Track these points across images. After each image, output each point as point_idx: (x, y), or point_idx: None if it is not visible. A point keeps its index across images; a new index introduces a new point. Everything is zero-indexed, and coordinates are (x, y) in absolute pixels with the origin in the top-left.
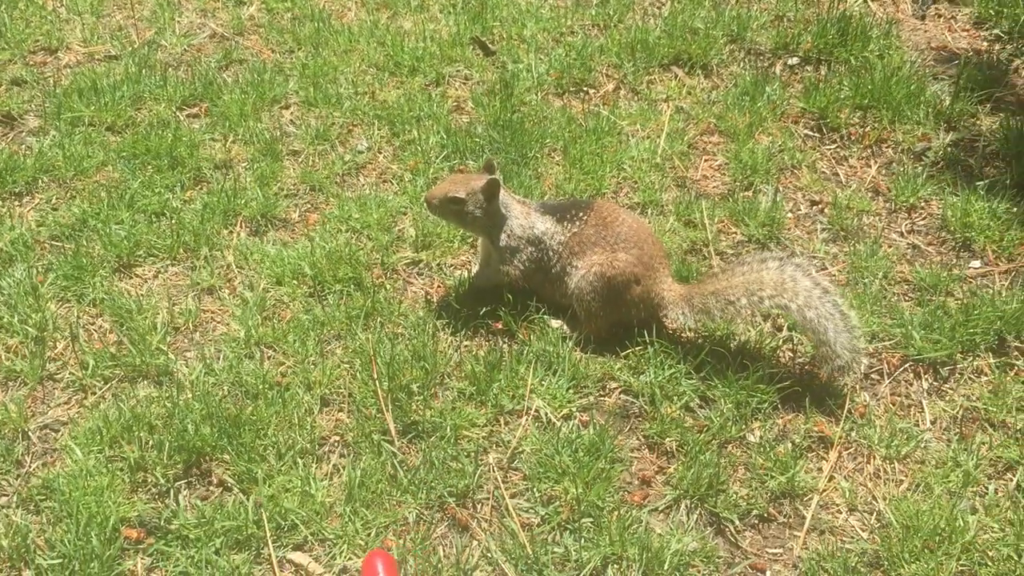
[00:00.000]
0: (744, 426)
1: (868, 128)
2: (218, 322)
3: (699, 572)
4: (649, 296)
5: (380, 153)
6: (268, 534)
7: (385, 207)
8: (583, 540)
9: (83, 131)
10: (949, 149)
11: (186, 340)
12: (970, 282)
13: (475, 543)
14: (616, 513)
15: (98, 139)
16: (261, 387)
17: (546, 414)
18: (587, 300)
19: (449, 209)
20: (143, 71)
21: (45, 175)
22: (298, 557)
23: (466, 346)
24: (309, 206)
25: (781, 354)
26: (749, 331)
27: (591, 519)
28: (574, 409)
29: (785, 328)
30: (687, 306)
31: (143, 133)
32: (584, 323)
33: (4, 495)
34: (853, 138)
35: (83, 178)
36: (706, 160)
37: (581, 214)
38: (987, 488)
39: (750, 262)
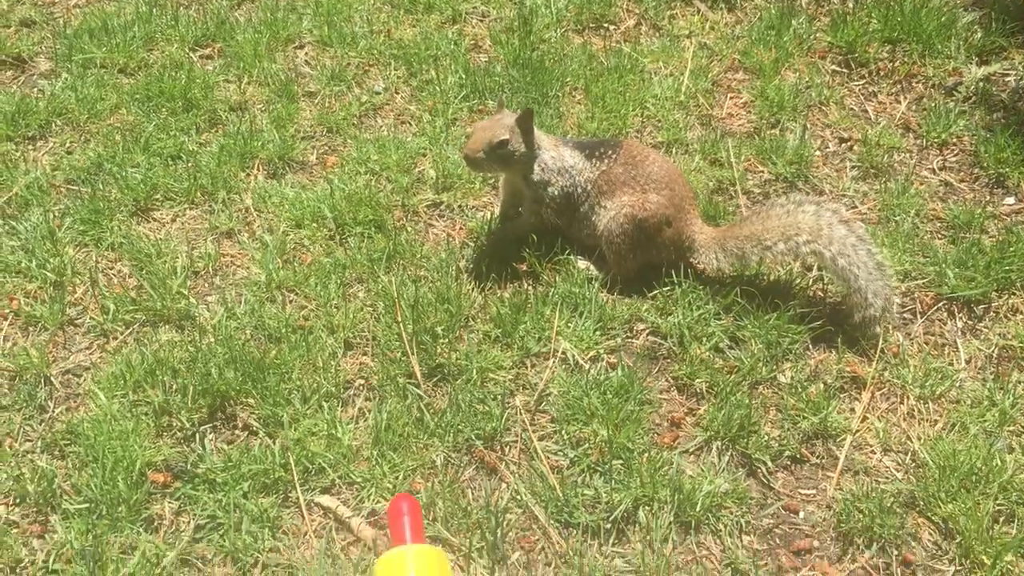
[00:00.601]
0: (775, 367)
1: (897, 63)
2: (238, 266)
3: (731, 513)
4: (680, 238)
5: (397, 94)
6: (296, 478)
7: (404, 149)
8: (613, 482)
9: (95, 73)
10: (981, 84)
11: (207, 284)
12: (1004, 219)
13: (504, 486)
14: (646, 455)
15: (111, 81)
16: (284, 331)
17: (573, 356)
18: (616, 242)
19: (496, 155)
20: (153, 10)
21: (58, 118)
22: (326, 500)
23: (490, 288)
24: (327, 148)
25: (812, 293)
26: (779, 271)
27: (621, 461)
28: (601, 351)
29: (816, 267)
30: (720, 250)
31: (156, 75)
32: (612, 265)
33: (28, 440)
34: (882, 73)
35: (97, 121)
36: (731, 98)
37: (610, 152)
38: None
39: (784, 204)
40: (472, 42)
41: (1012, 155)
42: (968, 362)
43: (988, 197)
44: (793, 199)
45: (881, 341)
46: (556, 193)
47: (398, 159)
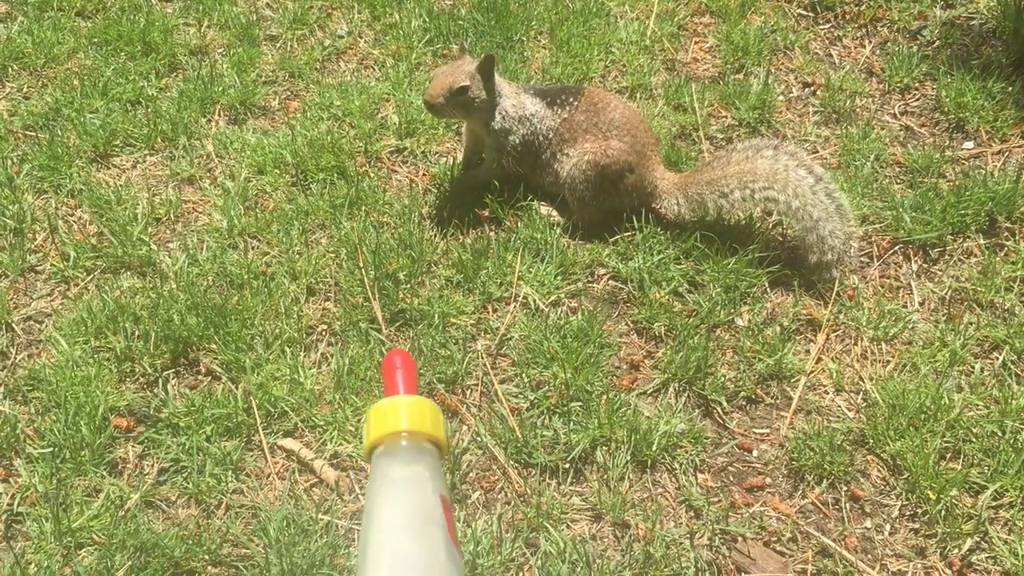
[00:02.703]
0: (733, 310)
1: (863, 6)
2: (200, 212)
3: (687, 452)
4: (642, 185)
5: (361, 38)
6: (258, 421)
7: (367, 94)
8: (572, 423)
9: (52, 16)
10: (945, 27)
11: (168, 231)
12: (963, 163)
13: (465, 428)
14: (605, 397)
15: (68, 25)
16: (246, 277)
17: (534, 301)
18: (579, 189)
19: (456, 101)
20: None
21: (15, 63)
22: (289, 443)
23: (453, 234)
24: (289, 93)
25: (771, 237)
26: (739, 216)
27: (580, 403)
28: (562, 295)
29: (776, 212)
30: (681, 196)
31: (114, 18)
32: (575, 211)
33: None
34: (847, 17)
35: (54, 66)
36: (696, 42)
37: (571, 99)
38: (973, 367)
39: (744, 150)
40: None
41: (972, 99)
42: (922, 304)
43: (948, 141)
44: (753, 144)
45: (837, 284)
46: (517, 141)
47: (361, 104)
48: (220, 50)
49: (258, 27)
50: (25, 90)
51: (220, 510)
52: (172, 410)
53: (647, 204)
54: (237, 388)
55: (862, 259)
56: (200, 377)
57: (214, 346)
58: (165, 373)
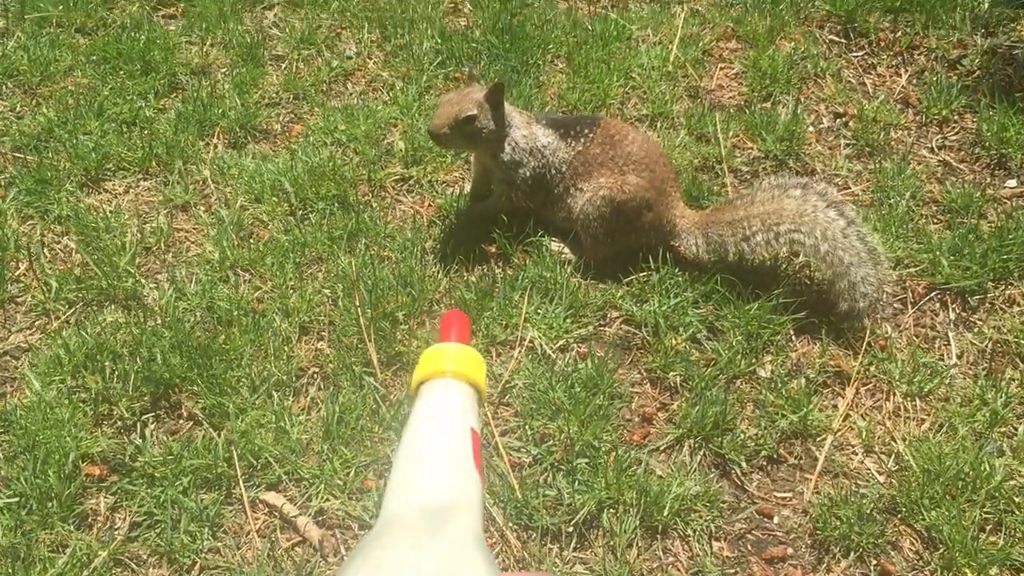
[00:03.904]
0: (755, 360)
1: (899, 33)
2: (192, 242)
3: (702, 517)
4: (661, 223)
5: (370, 59)
6: (239, 473)
7: (374, 118)
8: (577, 483)
9: (50, 32)
10: (986, 57)
11: (158, 261)
12: (1005, 203)
13: None
14: (613, 454)
15: (67, 41)
16: (236, 313)
17: (541, 345)
18: (593, 226)
19: (463, 131)
20: None
21: (9, 80)
22: (271, 497)
23: (456, 271)
24: (292, 116)
25: (797, 281)
26: (763, 256)
27: (586, 460)
28: (571, 340)
29: (802, 254)
30: (701, 236)
31: (115, 35)
32: (588, 249)
33: None
34: (882, 44)
35: (50, 84)
36: (722, 68)
37: (586, 130)
38: (1016, 429)
39: (769, 188)
40: (451, 5)
41: (1016, 134)
42: (960, 357)
43: (989, 179)
44: (780, 182)
45: (868, 333)
46: (528, 174)
47: (367, 129)
48: (223, 70)
49: (263, 46)
50: (18, 109)
51: (194, 570)
52: (148, 458)
53: (665, 243)
54: (219, 436)
55: (896, 305)
56: (181, 422)
57: (197, 389)
58: (144, 417)
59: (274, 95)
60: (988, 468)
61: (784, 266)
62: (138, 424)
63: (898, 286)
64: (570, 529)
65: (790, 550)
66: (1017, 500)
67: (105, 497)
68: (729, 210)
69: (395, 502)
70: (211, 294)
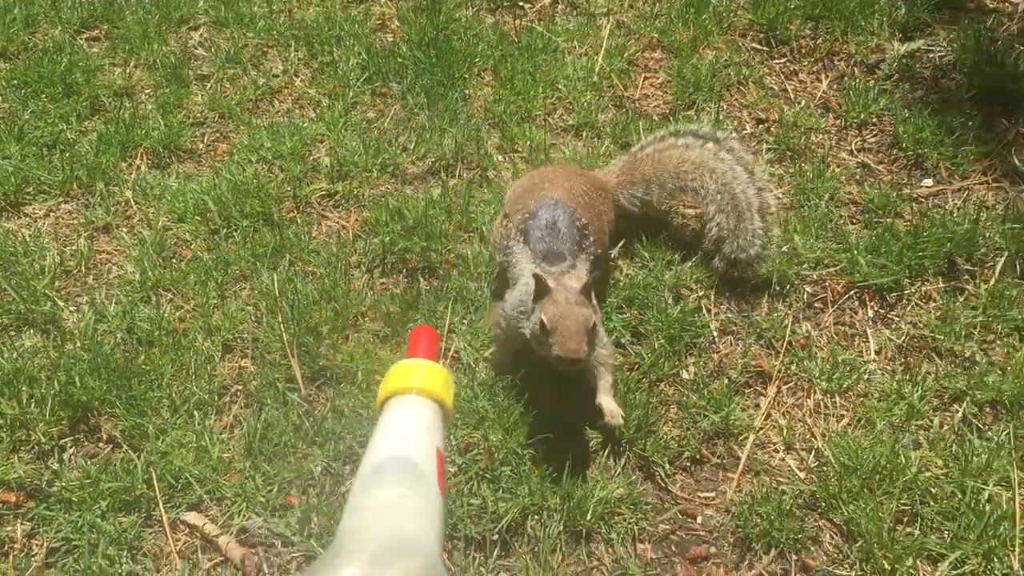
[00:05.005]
0: (678, 362)
1: (819, 40)
2: (113, 263)
3: (625, 520)
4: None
5: (297, 76)
6: (159, 494)
7: (300, 135)
8: (501, 491)
9: None
10: (903, 61)
11: (78, 284)
12: (922, 202)
13: None
14: (536, 463)
15: None
16: (156, 334)
17: (466, 356)
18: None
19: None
20: None
21: None
22: (192, 518)
23: (382, 283)
24: (218, 135)
25: (721, 285)
26: (689, 260)
27: (510, 468)
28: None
29: (705, 200)
30: (622, 196)
31: (36, 59)
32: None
33: None
34: (803, 51)
35: None
36: (647, 78)
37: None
38: (932, 421)
39: (667, 140)
40: (379, 22)
41: (931, 135)
42: (878, 353)
43: (906, 179)
44: (675, 129)
45: (789, 332)
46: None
47: (292, 146)
48: (147, 91)
49: (188, 66)
50: None
51: None
52: (66, 483)
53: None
54: (138, 457)
55: (816, 305)
56: (100, 445)
57: (116, 411)
58: (62, 441)
59: (199, 115)
60: (904, 460)
61: (707, 272)
62: (56, 449)
63: (818, 286)
64: (495, 537)
65: (713, 549)
66: (933, 491)
67: (22, 524)
68: (638, 169)
69: (355, 522)
70: (132, 315)
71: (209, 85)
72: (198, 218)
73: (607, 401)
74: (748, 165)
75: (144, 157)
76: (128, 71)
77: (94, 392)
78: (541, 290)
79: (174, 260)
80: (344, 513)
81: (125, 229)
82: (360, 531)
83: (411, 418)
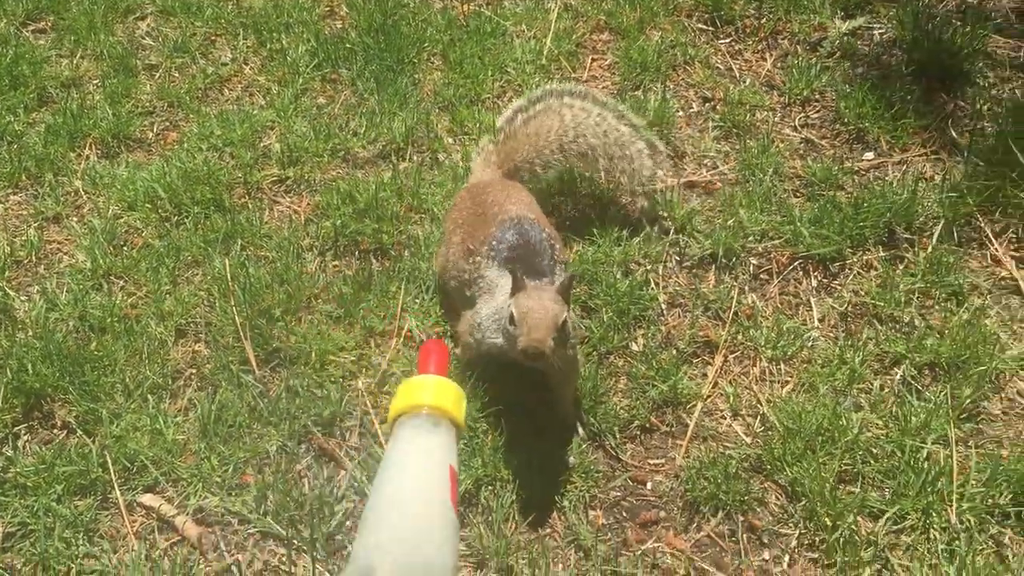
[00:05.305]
0: (627, 335)
1: (764, 19)
2: (64, 253)
3: (577, 488)
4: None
5: (246, 64)
6: (114, 477)
7: (250, 122)
8: None
9: None
10: (845, 39)
11: (28, 274)
12: (863, 175)
13: (342, 473)
14: (490, 433)
15: None
16: (109, 320)
17: (419, 334)
18: None
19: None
20: None
21: None
22: (148, 499)
23: (335, 266)
24: (167, 124)
25: (668, 258)
26: (636, 236)
27: (464, 441)
28: (448, 327)
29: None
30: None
31: None
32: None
33: None
34: (748, 31)
35: None
36: (595, 59)
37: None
38: (872, 385)
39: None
40: (327, 8)
41: (871, 110)
42: (821, 321)
43: (848, 153)
44: (538, 95)
45: (735, 303)
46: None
47: (243, 134)
48: (95, 81)
49: (136, 56)
50: None
51: None
52: (20, 468)
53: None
54: (93, 442)
55: (762, 276)
56: (55, 431)
57: (70, 397)
58: (16, 428)
59: (148, 104)
60: (846, 422)
61: (655, 246)
62: (10, 436)
63: (763, 258)
64: None
65: (662, 513)
66: (874, 451)
67: None
68: (514, 156)
69: (371, 541)
70: (83, 303)
71: (158, 74)
72: (148, 206)
73: (566, 411)
74: (607, 104)
75: (93, 147)
76: (75, 62)
77: (47, 379)
78: (517, 286)
79: (125, 248)
80: (359, 531)
81: (75, 219)
82: (377, 552)
83: (423, 438)
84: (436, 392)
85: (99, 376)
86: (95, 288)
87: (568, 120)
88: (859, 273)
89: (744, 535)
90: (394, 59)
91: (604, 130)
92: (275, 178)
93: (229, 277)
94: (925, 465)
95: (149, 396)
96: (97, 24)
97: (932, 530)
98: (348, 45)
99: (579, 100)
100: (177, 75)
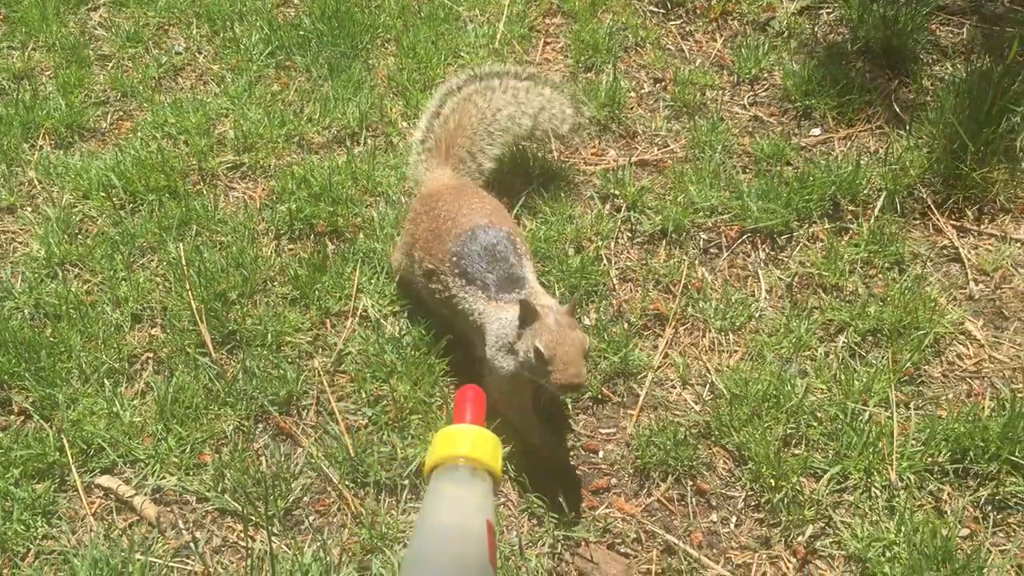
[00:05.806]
0: (579, 309)
1: (713, 1)
2: (18, 242)
3: (529, 459)
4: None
5: (200, 53)
6: (71, 460)
7: (204, 110)
8: (410, 438)
9: None
10: (793, 18)
11: None
12: (810, 150)
13: (299, 451)
14: (444, 408)
15: None
16: (64, 308)
17: (373, 312)
18: None
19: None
20: None
21: None
22: (106, 481)
23: (290, 249)
24: (121, 114)
25: (619, 234)
26: (587, 213)
27: (419, 416)
28: (402, 306)
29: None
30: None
31: None
32: None
33: None
34: (698, 12)
35: None
36: (547, 43)
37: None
38: (817, 352)
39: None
40: None
41: (818, 87)
42: (769, 292)
43: (795, 129)
44: (458, 83)
45: (685, 277)
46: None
47: (197, 121)
48: (47, 72)
49: (88, 47)
50: None
51: (28, 558)
52: None
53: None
54: (50, 426)
55: (711, 250)
56: (11, 418)
57: (26, 383)
58: None
59: (101, 94)
60: (791, 387)
61: (606, 222)
62: None
63: (713, 232)
64: (404, 481)
65: (614, 480)
66: (818, 415)
67: None
68: (454, 147)
69: None
70: (38, 291)
71: (111, 65)
72: (103, 194)
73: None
74: (530, 77)
75: (47, 137)
76: (27, 54)
77: (2, 366)
78: (529, 316)
79: (80, 236)
80: None
81: (30, 208)
82: None
83: (460, 491)
84: (473, 443)
85: (55, 362)
86: (50, 276)
87: (483, 104)
88: (805, 245)
89: (693, 499)
90: (348, 45)
91: (513, 94)
92: (230, 164)
93: (184, 262)
94: (867, 427)
95: (106, 380)
96: (49, 15)
97: (873, 488)
98: (302, 32)
99: (483, 81)
100: (130, 65)
